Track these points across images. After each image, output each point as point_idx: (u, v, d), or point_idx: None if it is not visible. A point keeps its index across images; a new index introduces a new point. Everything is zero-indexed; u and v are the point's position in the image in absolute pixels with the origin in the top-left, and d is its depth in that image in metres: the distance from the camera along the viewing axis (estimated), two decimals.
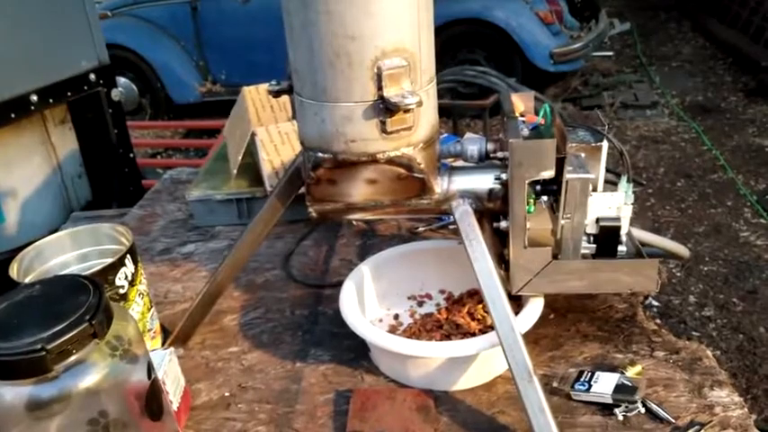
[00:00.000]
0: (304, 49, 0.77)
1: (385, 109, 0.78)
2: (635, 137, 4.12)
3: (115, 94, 1.95)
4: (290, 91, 0.86)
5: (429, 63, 0.82)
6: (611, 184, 0.95)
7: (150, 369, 0.74)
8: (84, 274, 0.88)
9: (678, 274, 2.70)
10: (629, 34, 6.07)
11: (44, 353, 0.61)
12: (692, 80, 5.09)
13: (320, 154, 0.84)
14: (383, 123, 0.80)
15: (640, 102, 4.63)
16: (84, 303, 0.66)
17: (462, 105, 3.06)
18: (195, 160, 4.00)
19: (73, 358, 0.64)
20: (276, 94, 0.88)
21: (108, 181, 2.04)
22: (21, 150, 1.75)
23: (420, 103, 0.77)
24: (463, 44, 4.51)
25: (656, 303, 2.51)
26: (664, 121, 4.36)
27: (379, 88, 0.77)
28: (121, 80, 4.84)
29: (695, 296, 2.57)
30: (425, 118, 0.83)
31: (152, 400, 0.73)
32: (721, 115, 4.36)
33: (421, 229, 1.39)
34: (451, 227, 1.36)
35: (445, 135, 1.47)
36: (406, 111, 0.78)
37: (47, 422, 0.67)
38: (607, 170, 1.14)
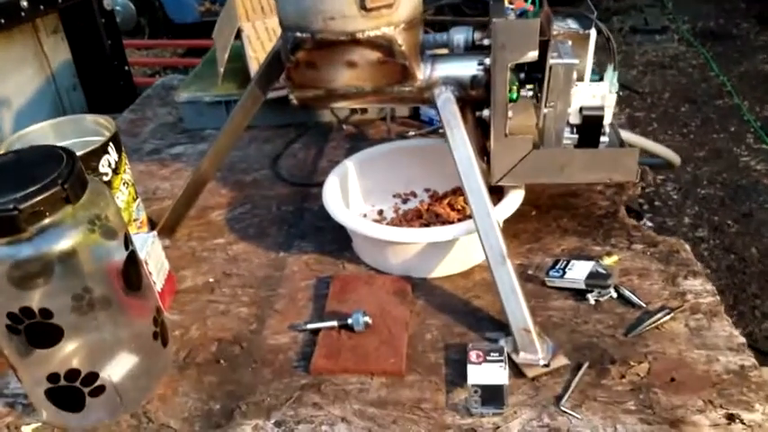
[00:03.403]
0: None
1: None
2: (642, 62, 4.03)
3: (107, 3, 1.91)
4: None
5: None
6: None
7: (128, 241, 0.75)
8: None
9: (675, 197, 2.70)
10: None
11: (17, 212, 0.62)
12: (705, 6, 4.94)
13: (299, 34, 0.82)
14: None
15: (650, 26, 4.52)
16: (57, 169, 0.67)
17: (465, 22, 2.99)
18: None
19: (46, 221, 0.65)
20: None
21: (103, 93, 2.02)
22: (13, 60, 1.72)
23: None
24: None
25: (650, 224, 2.52)
26: (673, 46, 4.26)
27: None
28: None
29: (690, 218, 2.57)
30: None
31: (130, 271, 0.75)
32: (732, 42, 4.26)
33: (411, 133, 1.39)
34: (441, 131, 1.35)
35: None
36: None
37: (31, 293, 0.68)
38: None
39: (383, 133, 1.41)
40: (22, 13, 1.63)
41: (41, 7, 1.68)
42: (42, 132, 1.04)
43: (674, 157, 1.29)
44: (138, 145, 1.43)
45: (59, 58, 1.89)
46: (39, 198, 0.63)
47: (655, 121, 3.33)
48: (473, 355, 0.74)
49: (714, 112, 3.39)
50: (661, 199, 2.64)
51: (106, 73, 1.98)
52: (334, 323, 0.84)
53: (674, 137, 3.19)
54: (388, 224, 1.05)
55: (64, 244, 0.66)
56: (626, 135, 1.04)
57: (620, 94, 0.90)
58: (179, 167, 1.33)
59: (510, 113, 0.88)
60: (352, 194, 1.08)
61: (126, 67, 2.04)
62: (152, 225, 1.11)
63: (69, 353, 0.72)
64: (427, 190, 1.14)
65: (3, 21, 1.59)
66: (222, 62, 1.31)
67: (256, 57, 1.28)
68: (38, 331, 0.68)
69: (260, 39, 1.27)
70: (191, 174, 1.05)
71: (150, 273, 0.88)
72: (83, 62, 1.95)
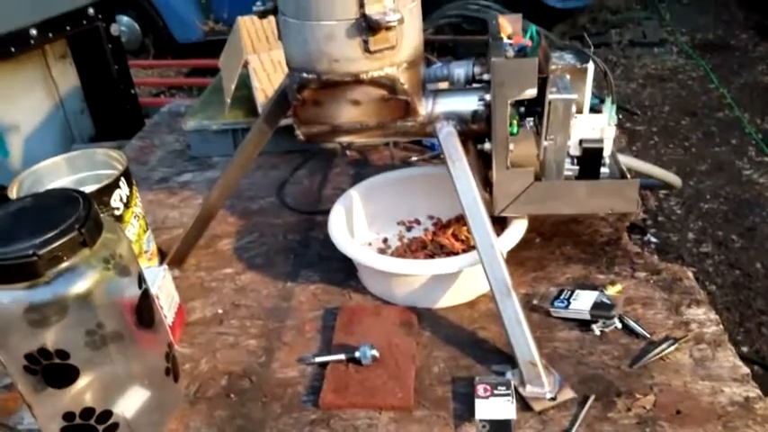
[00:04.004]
0: None
1: (367, 27, 0.78)
2: (641, 75, 4.06)
3: (114, 29, 1.95)
4: (275, 11, 0.86)
5: None
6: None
7: (141, 280, 0.77)
8: None
9: (678, 212, 2.71)
10: None
11: (36, 258, 0.64)
12: (704, 17, 4.97)
13: (305, 74, 0.85)
14: (366, 42, 0.80)
15: (649, 39, 4.55)
16: (74, 213, 0.69)
17: (465, 41, 3.02)
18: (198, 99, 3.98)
19: (64, 265, 0.66)
20: (262, 14, 0.88)
21: (110, 117, 2.06)
22: (22, 85, 1.76)
23: (402, 21, 0.78)
24: None
25: (654, 240, 2.53)
26: (672, 59, 4.29)
27: (361, 6, 0.77)
28: (124, 19, 4.80)
29: (694, 233, 2.58)
30: (408, 38, 0.83)
31: (143, 308, 0.76)
32: (731, 53, 4.29)
33: (414, 158, 1.41)
34: (443, 156, 1.37)
35: (440, 64, 1.46)
36: (389, 29, 0.79)
37: (46, 331, 0.70)
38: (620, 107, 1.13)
39: (386, 158, 1.43)
40: (32, 41, 1.66)
41: (50, 34, 1.72)
42: (55, 166, 1.07)
43: (675, 180, 1.30)
44: (146, 173, 1.46)
45: (67, 84, 1.93)
46: (57, 243, 0.65)
47: (655, 134, 3.34)
48: (480, 389, 0.75)
49: (715, 124, 3.41)
50: (664, 214, 2.66)
51: (113, 97, 2.01)
52: (342, 356, 0.85)
53: (676, 150, 3.21)
54: (392, 253, 1.07)
55: (81, 286, 0.68)
56: (625, 159, 1.05)
57: (620, 117, 0.92)
58: (187, 195, 1.35)
59: (511, 146, 0.90)
60: (356, 222, 1.10)
61: (132, 91, 2.08)
62: (162, 255, 1.13)
63: (83, 387, 0.74)
64: (431, 217, 1.15)
65: (13, 49, 1.62)
66: (229, 93, 1.33)
67: (262, 88, 1.31)
68: (55, 372, 0.70)
69: (266, 70, 1.30)
70: (200, 204, 1.07)
71: (161, 307, 0.90)
72: (90, 87, 1.99)
